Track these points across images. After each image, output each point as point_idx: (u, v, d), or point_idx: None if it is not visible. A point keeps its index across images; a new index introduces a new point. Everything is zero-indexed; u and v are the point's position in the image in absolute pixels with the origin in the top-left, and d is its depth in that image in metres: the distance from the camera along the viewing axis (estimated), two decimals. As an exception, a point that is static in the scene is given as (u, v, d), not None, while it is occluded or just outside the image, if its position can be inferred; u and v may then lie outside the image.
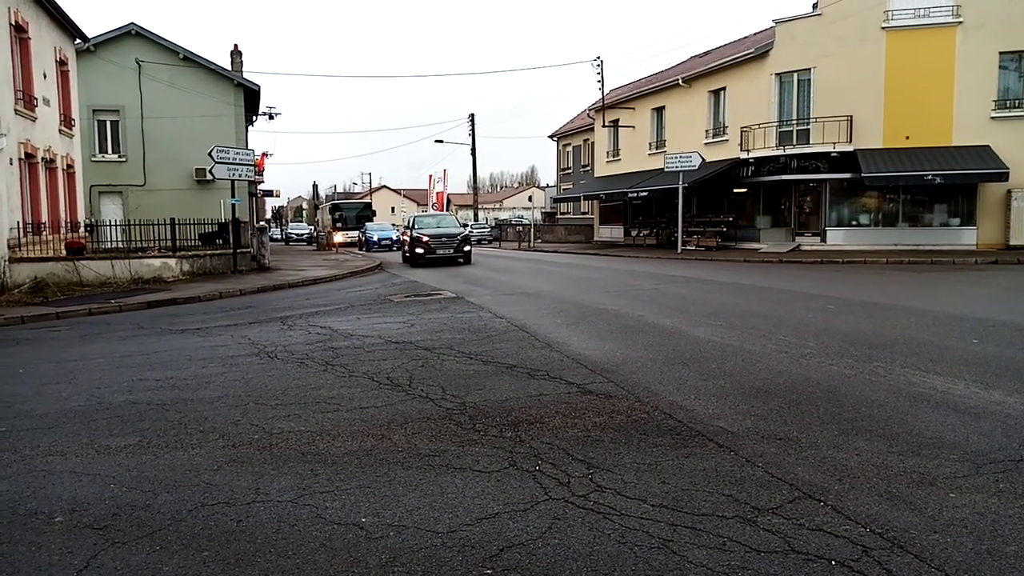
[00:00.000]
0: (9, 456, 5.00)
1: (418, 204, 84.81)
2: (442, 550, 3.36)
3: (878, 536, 3.38)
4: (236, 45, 33.87)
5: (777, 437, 4.86)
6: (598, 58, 36.26)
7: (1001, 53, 24.25)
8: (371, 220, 46.03)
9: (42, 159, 19.69)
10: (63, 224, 21.17)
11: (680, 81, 32.22)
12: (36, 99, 19.24)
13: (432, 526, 3.62)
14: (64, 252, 18.45)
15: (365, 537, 3.53)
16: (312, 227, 65.69)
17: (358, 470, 4.47)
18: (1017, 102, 24.38)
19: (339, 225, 44.38)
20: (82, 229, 22.52)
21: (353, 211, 47.65)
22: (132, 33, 28.78)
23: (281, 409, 5.95)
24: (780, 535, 3.41)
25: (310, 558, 3.34)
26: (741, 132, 28.02)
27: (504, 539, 3.45)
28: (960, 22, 24.30)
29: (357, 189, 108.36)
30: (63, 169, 21.93)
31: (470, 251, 24.17)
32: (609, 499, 3.89)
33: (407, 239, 24.94)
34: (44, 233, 19.20)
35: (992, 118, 24.31)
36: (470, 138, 49.37)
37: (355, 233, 43.30)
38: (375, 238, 37.79)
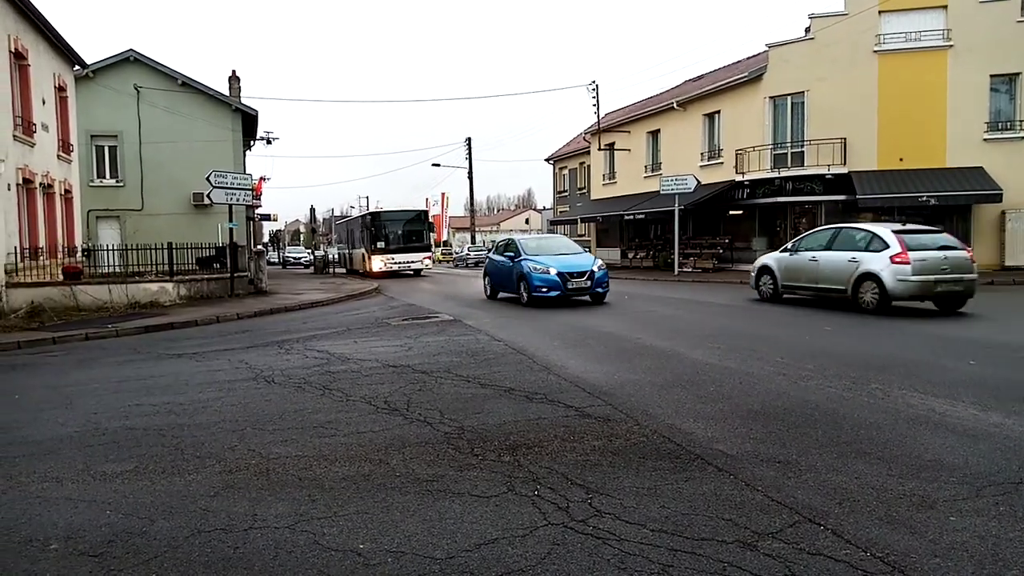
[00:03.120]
0: (4, 483, 4.97)
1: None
2: (441, 577, 3.34)
3: (879, 560, 3.36)
4: (234, 71, 34.10)
5: (776, 460, 4.85)
6: (594, 82, 36.48)
7: (992, 76, 24.52)
8: (426, 236, 34.70)
9: (40, 184, 19.74)
10: (60, 249, 21.18)
11: (675, 105, 32.49)
12: (35, 125, 19.33)
13: (430, 552, 3.60)
14: (61, 277, 18.43)
15: (363, 564, 3.50)
16: (311, 250, 65.47)
17: (356, 495, 4.45)
18: (1009, 124, 24.61)
19: (380, 245, 32.99)
20: (79, 254, 22.52)
21: (399, 223, 34.03)
22: (131, 59, 28.98)
23: (278, 434, 5.92)
24: (780, 560, 3.39)
25: (308, 585, 3.31)
26: (736, 155, 28.22)
27: (503, 565, 3.43)
28: (951, 46, 24.58)
29: (354, 212, 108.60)
30: (61, 194, 21.97)
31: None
32: (608, 524, 3.87)
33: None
34: (41, 258, 19.20)
35: (985, 140, 24.53)
36: (467, 161, 49.66)
37: (406, 257, 33.21)
38: (551, 273, 15.86)
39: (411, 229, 34.19)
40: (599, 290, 16.21)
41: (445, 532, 3.84)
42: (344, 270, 41.49)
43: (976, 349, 8.97)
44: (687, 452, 5.07)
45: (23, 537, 4.00)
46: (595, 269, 16.18)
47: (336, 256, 46.34)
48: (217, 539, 3.86)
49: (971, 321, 12.24)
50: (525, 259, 16.47)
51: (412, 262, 33.45)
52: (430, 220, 36.28)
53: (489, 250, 22.25)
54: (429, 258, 34.75)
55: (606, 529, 3.80)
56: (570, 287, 15.68)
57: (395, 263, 32.91)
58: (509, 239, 18.20)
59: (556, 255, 16.59)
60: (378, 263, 32.61)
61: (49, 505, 4.50)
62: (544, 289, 15.69)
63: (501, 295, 18.34)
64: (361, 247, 35.45)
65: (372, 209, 34.98)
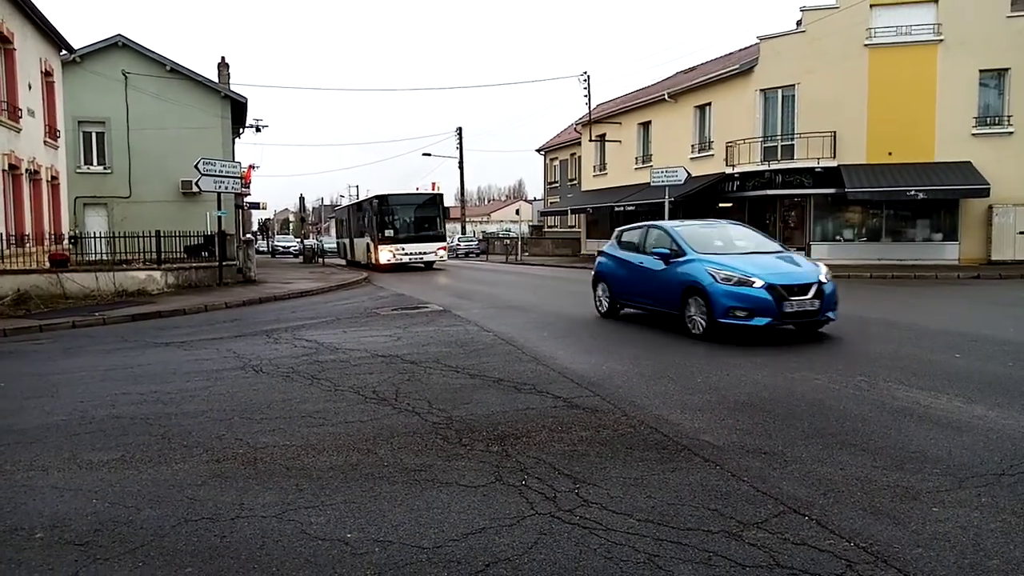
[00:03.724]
0: (-11, 471, 4.94)
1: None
2: (428, 566, 3.35)
3: (862, 550, 3.40)
4: (223, 57, 33.86)
5: (762, 451, 4.88)
6: (585, 73, 36.47)
7: (981, 71, 24.63)
8: (440, 223, 30.51)
9: (26, 170, 19.56)
10: (47, 236, 21.01)
11: (666, 96, 32.47)
12: (20, 110, 19.13)
13: (418, 541, 3.61)
14: (48, 264, 18.29)
15: (350, 553, 3.51)
16: (300, 239, 65.11)
17: (343, 485, 4.45)
18: (997, 119, 24.74)
19: (388, 234, 28.81)
20: (66, 241, 22.36)
21: (410, 208, 29.93)
22: (119, 45, 28.72)
23: (266, 423, 5.91)
24: (765, 550, 3.42)
25: (294, 574, 3.32)
26: (726, 147, 28.26)
27: (490, 554, 3.45)
28: (941, 40, 24.66)
29: (345, 202, 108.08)
30: (47, 181, 21.79)
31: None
32: (595, 514, 3.89)
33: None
34: (27, 245, 19.05)
35: (973, 134, 24.65)
36: (458, 151, 49.53)
37: (417, 248, 29.15)
38: (755, 285, 9.51)
39: (423, 215, 29.96)
40: (829, 314, 9.84)
41: (432, 521, 3.85)
42: (343, 262, 37.71)
43: (962, 343, 9.03)
44: (674, 443, 5.10)
45: (8, 526, 3.98)
46: (822, 279, 9.77)
47: (334, 247, 43.42)
48: (204, 528, 3.86)
49: (957, 315, 12.61)
50: (696, 260, 10.25)
51: (424, 253, 29.47)
52: (444, 205, 31.62)
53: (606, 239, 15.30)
54: (443, 248, 30.46)
55: (593, 519, 3.82)
56: (787, 310, 9.38)
57: (405, 254, 28.95)
58: (652, 226, 12.08)
59: (744, 254, 10.53)
60: (386, 254, 28.59)
61: (34, 494, 4.48)
62: (742, 313, 9.42)
63: (628, 311, 12.63)
64: (365, 236, 31.35)
65: (378, 192, 29.69)
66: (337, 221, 44.85)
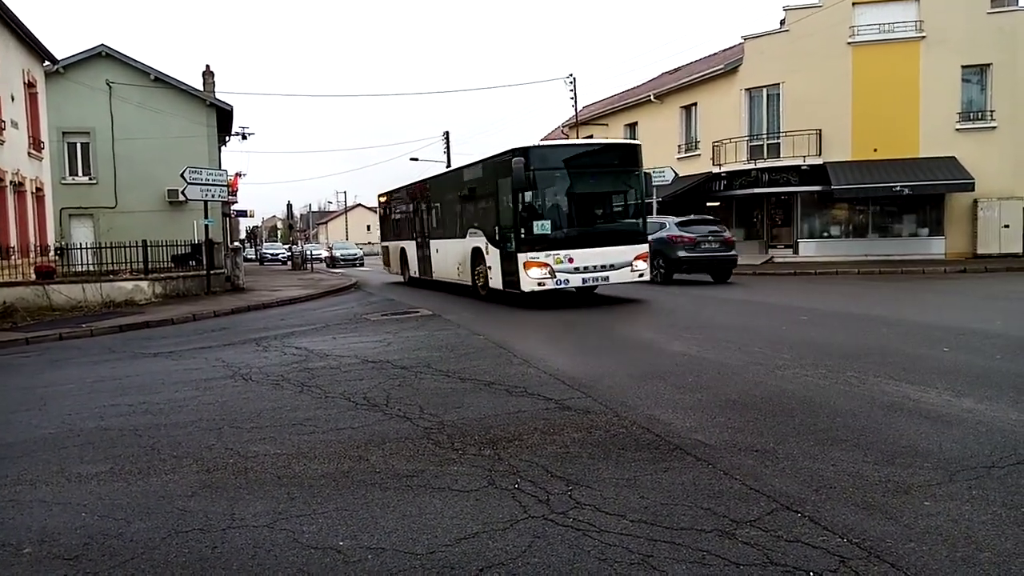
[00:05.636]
0: (-24, 487, 4.88)
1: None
2: (421, 572, 3.33)
3: (855, 546, 3.40)
4: (208, 65, 33.59)
5: (754, 449, 4.88)
6: (571, 75, 36.51)
7: (963, 67, 24.87)
8: (634, 205, 14.64)
9: (10, 183, 19.40)
10: (32, 248, 20.84)
11: (652, 97, 32.59)
12: (4, 122, 18.98)
13: (411, 548, 3.59)
14: (34, 276, 18.14)
15: (343, 561, 3.48)
16: (288, 246, 64.76)
17: (335, 492, 4.42)
18: (980, 114, 24.97)
19: (540, 230, 13.57)
20: (52, 253, 22.18)
21: (579, 177, 14.19)
22: (102, 55, 28.54)
23: (256, 432, 5.87)
24: (758, 547, 3.42)
25: (287, 584, 3.29)
26: (713, 147, 28.39)
27: (484, 559, 3.43)
28: (923, 37, 24.87)
29: (332, 208, 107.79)
30: (32, 192, 21.62)
31: None
32: (588, 515, 3.88)
33: None
34: (13, 257, 18.89)
35: (957, 130, 24.88)
36: (446, 156, 49.45)
37: (594, 256, 13.76)
38: None
39: (604, 191, 14.99)
40: None
41: (425, 527, 3.83)
42: (401, 277, 23.49)
43: (950, 337, 9.10)
44: (666, 443, 5.10)
45: (-4, 541, 3.93)
46: None
47: (353, 254, 39.03)
48: (195, 539, 3.82)
49: (945, 309, 12.64)
50: None
51: (611, 267, 14.18)
52: (643, 170, 15.20)
53: None
54: (643, 257, 14.58)
55: (586, 521, 3.81)
56: None
57: (573, 270, 13.85)
58: None
59: None
60: (535, 271, 13.64)
61: (22, 508, 4.43)
62: None
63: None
64: (468, 234, 16.58)
65: (519, 148, 14.08)
66: (387, 212, 25.53)
